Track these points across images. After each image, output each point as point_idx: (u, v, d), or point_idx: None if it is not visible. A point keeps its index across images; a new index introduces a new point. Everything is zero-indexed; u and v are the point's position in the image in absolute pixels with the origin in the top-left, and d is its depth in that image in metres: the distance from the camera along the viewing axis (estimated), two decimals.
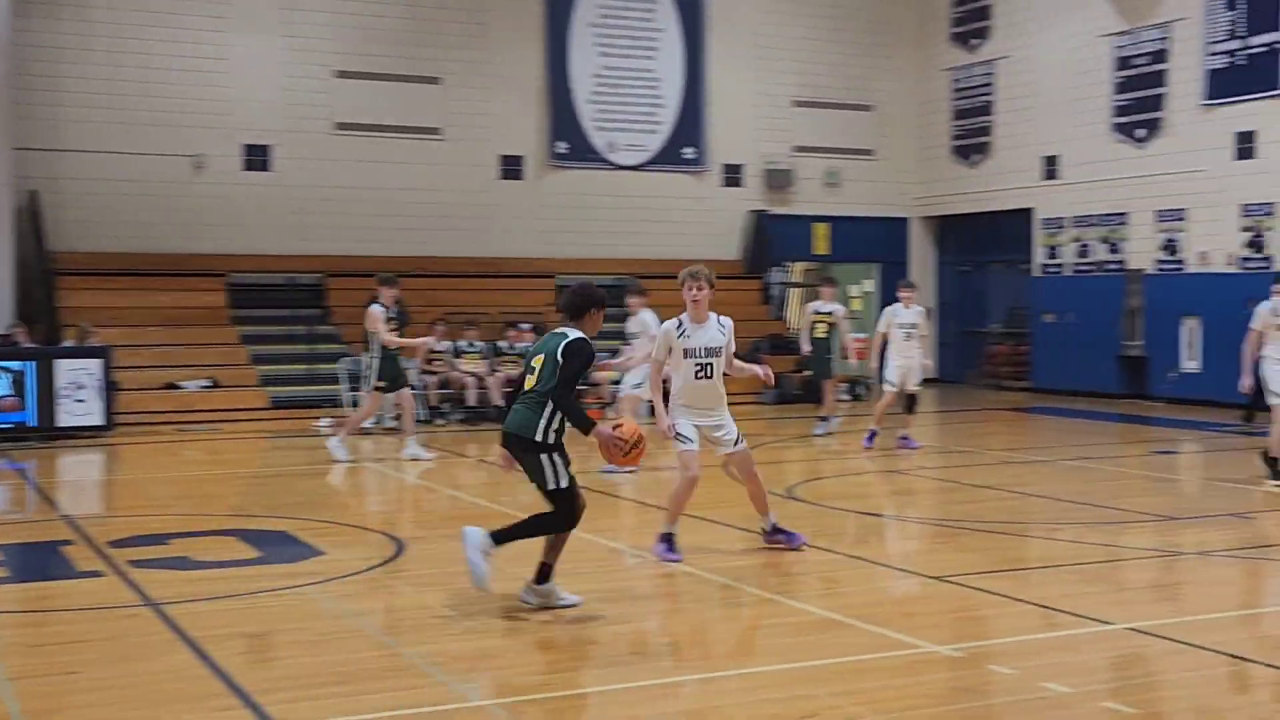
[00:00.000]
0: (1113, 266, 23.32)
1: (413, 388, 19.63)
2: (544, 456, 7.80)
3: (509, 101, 24.16)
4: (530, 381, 7.94)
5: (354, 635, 7.51)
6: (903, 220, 27.62)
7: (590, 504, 12.39)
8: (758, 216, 25.90)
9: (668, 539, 9.53)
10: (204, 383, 20.02)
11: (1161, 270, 22.48)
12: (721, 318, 9.56)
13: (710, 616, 8.12)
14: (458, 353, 20.21)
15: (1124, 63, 23.01)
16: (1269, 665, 6.81)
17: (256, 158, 22.54)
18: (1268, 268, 20.58)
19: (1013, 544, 10.37)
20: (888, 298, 27.09)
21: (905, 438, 16.04)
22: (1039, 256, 24.86)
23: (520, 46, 24.26)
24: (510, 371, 20.38)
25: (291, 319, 21.77)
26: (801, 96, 26.41)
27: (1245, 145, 21.05)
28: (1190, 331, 22.00)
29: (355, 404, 19.22)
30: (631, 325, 14.85)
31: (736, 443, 9.58)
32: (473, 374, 20.02)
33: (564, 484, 7.83)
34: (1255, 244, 20.91)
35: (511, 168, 24.28)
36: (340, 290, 22.08)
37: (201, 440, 17.81)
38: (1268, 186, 20.65)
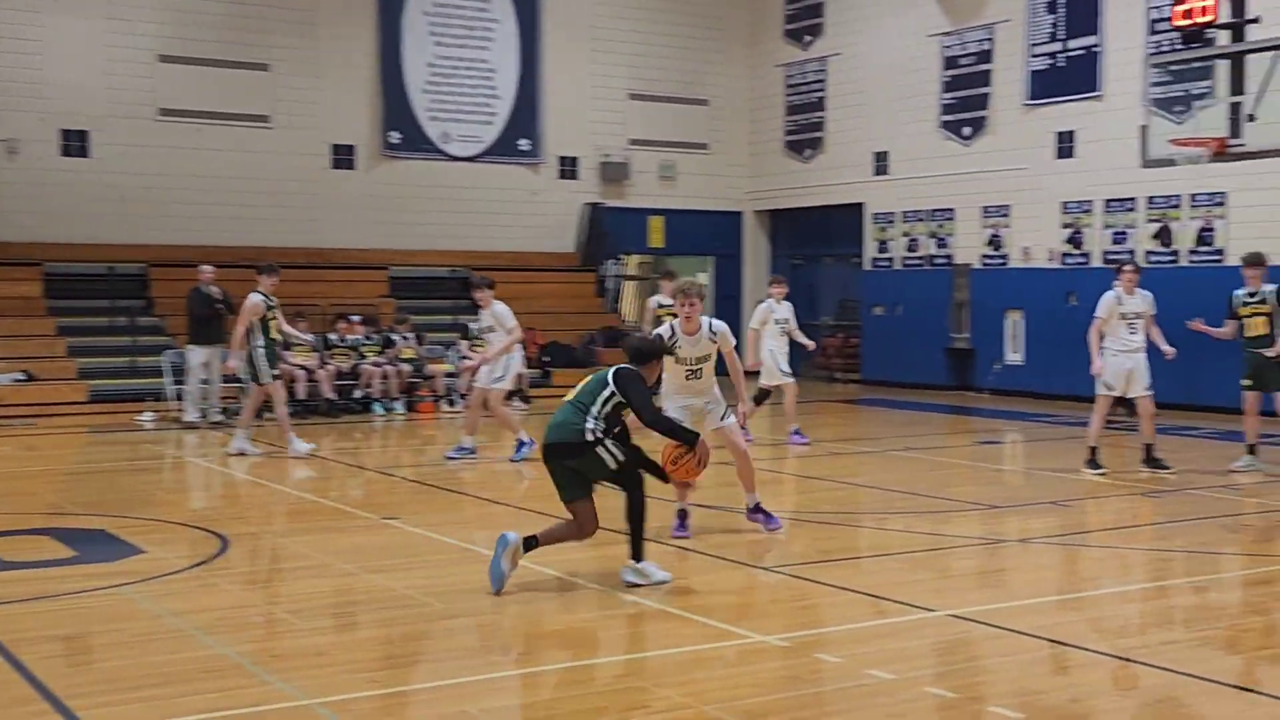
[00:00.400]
0: (940, 261, 23.84)
1: (242, 381, 19.25)
2: (598, 449, 8.14)
3: (340, 90, 23.76)
4: (570, 394, 8.43)
5: (174, 636, 7.28)
6: (737, 214, 27.87)
7: (428, 498, 12.30)
8: (593, 209, 25.89)
9: (681, 515, 10.00)
10: (18, 376, 19.27)
11: (987, 265, 23.05)
12: (714, 323, 9.91)
13: (543, 610, 8.05)
14: (287, 345, 19.78)
15: (951, 62, 23.53)
16: (1084, 648, 7.00)
17: (74, 143, 21.78)
18: (1086, 263, 21.26)
19: (843, 534, 10.51)
20: (722, 290, 27.48)
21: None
22: (869, 250, 25.30)
23: (352, 34, 23.86)
24: (341, 364, 20.08)
25: (112, 310, 21.11)
26: (637, 90, 26.46)
27: (1065, 145, 21.68)
28: (1014, 325, 22.60)
29: (180, 396, 18.73)
30: (483, 319, 14.70)
31: (723, 418, 9.96)
32: (302, 367, 19.63)
33: (623, 458, 8.20)
34: (1075, 240, 21.55)
35: (343, 157, 23.88)
36: (164, 281, 21.47)
37: (15, 435, 17.17)
38: (1086, 185, 21.30)
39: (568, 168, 25.89)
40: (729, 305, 26.73)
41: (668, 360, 9.72)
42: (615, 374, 8.34)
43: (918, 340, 24.07)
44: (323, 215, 23.65)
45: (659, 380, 9.32)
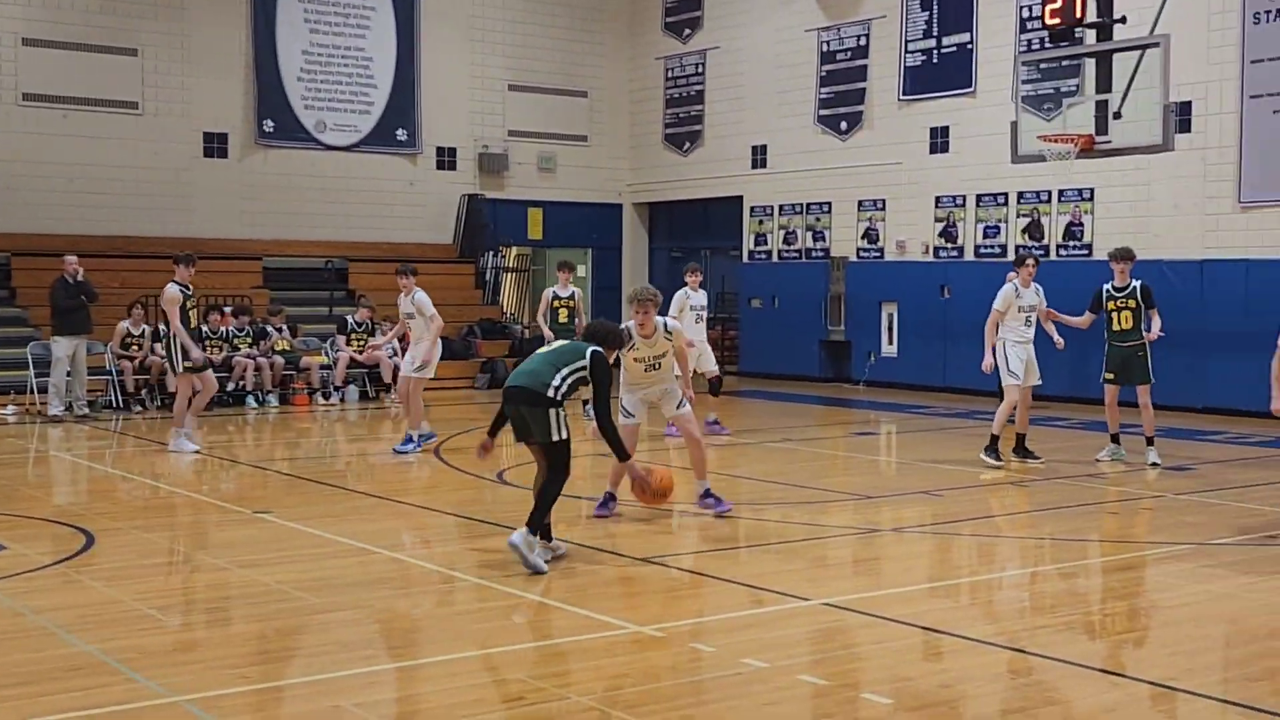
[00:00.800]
0: (817, 254, 24.07)
1: (110, 373, 18.84)
2: (551, 410, 8.48)
3: (212, 76, 23.29)
4: (544, 349, 8.96)
5: (37, 634, 7.07)
6: (616, 206, 27.88)
7: (302, 491, 12.13)
8: (471, 200, 25.72)
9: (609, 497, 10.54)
10: None
11: (862, 258, 23.32)
12: (668, 322, 10.41)
13: (420, 603, 7.99)
14: (158, 336, 19.36)
15: (828, 57, 23.76)
16: (955, 635, 7.11)
17: None
18: (959, 257, 21.61)
19: (721, 524, 10.55)
20: (601, 282, 27.47)
21: (715, 421, 16.13)
22: (747, 243, 25.47)
23: (224, 19, 23.40)
24: (213, 356, 19.67)
25: None
26: (516, 81, 26.34)
27: (940, 140, 22.02)
28: (889, 317, 22.90)
29: (43, 389, 18.23)
30: (404, 305, 14.61)
31: (679, 406, 10.53)
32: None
33: (566, 435, 8.54)
34: (948, 234, 21.89)
35: (215, 145, 23.42)
36: (27, 270, 20.90)
37: None
38: (959, 180, 21.65)
39: (446, 158, 25.69)
40: (607, 297, 26.74)
41: (628, 358, 10.31)
42: (593, 354, 8.72)
43: (794, 332, 24.27)
44: (194, 204, 23.19)
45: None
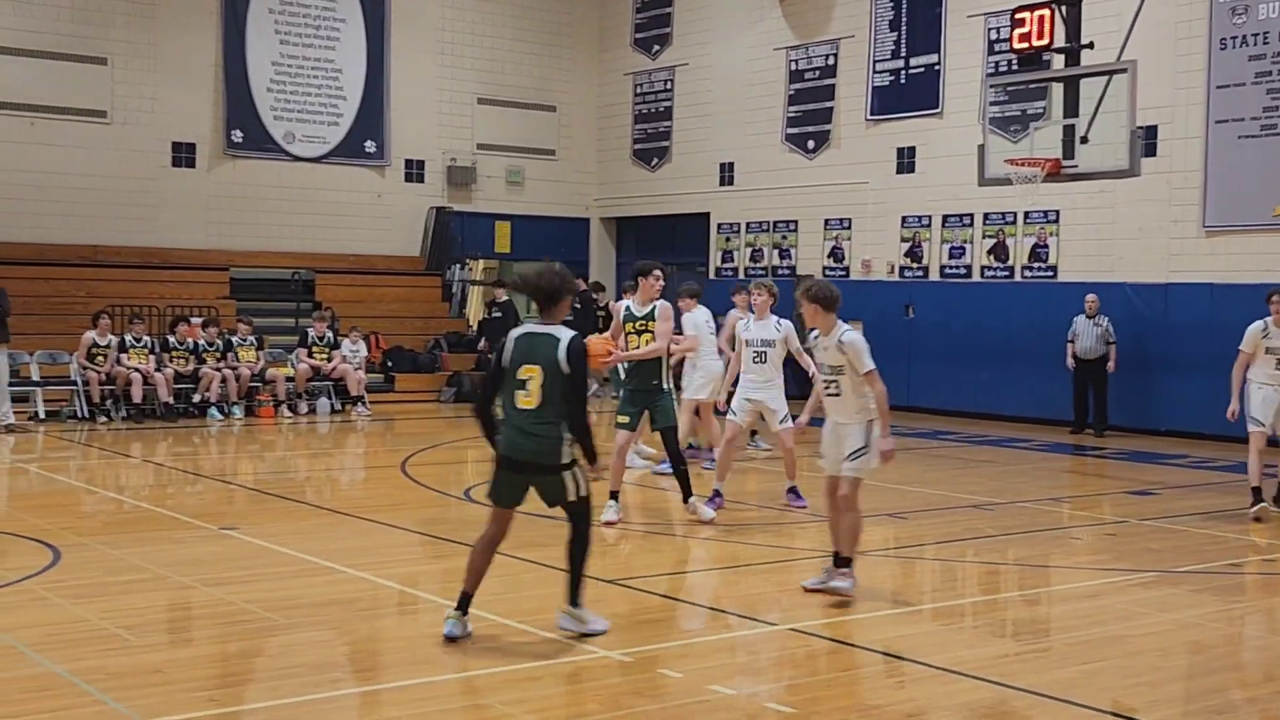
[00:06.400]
0: (784, 271, 24.16)
1: (75, 383, 18.64)
2: (565, 474, 7.34)
3: (181, 86, 23.19)
4: (527, 401, 7.24)
5: (4, 653, 7.02)
6: (584, 220, 27.93)
7: (267, 507, 12.07)
8: (439, 213, 25.71)
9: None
10: None
11: (828, 276, 23.42)
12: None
13: (384, 625, 7.98)
14: (124, 346, 19.26)
15: (796, 76, 23.88)
16: (915, 661, 7.14)
17: None
18: (924, 277, 21.74)
19: (688, 546, 10.57)
20: None
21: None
22: (714, 260, 25.55)
23: (194, 29, 23.33)
24: (181, 367, 19.58)
25: None
26: (485, 94, 26.36)
27: (906, 160, 22.15)
28: None
29: None
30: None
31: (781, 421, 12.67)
32: (138, 369, 19.11)
33: (585, 492, 7.45)
34: (914, 254, 22.02)
35: (183, 155, 23.33)
36: None
37: None
38: (925, 200, 21.79)
39: (414, 171, 25.68)
40: (572, 312, 26.71)
41: (740, 344, 13.46)
42: (569, 356, 7.26)
43: None
44: (162, 214, 23.09)
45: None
